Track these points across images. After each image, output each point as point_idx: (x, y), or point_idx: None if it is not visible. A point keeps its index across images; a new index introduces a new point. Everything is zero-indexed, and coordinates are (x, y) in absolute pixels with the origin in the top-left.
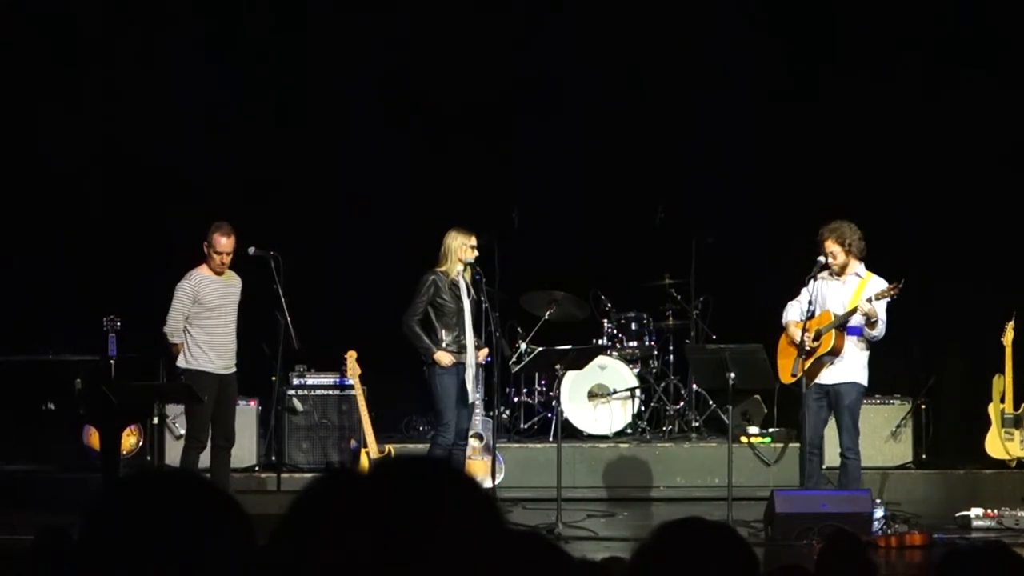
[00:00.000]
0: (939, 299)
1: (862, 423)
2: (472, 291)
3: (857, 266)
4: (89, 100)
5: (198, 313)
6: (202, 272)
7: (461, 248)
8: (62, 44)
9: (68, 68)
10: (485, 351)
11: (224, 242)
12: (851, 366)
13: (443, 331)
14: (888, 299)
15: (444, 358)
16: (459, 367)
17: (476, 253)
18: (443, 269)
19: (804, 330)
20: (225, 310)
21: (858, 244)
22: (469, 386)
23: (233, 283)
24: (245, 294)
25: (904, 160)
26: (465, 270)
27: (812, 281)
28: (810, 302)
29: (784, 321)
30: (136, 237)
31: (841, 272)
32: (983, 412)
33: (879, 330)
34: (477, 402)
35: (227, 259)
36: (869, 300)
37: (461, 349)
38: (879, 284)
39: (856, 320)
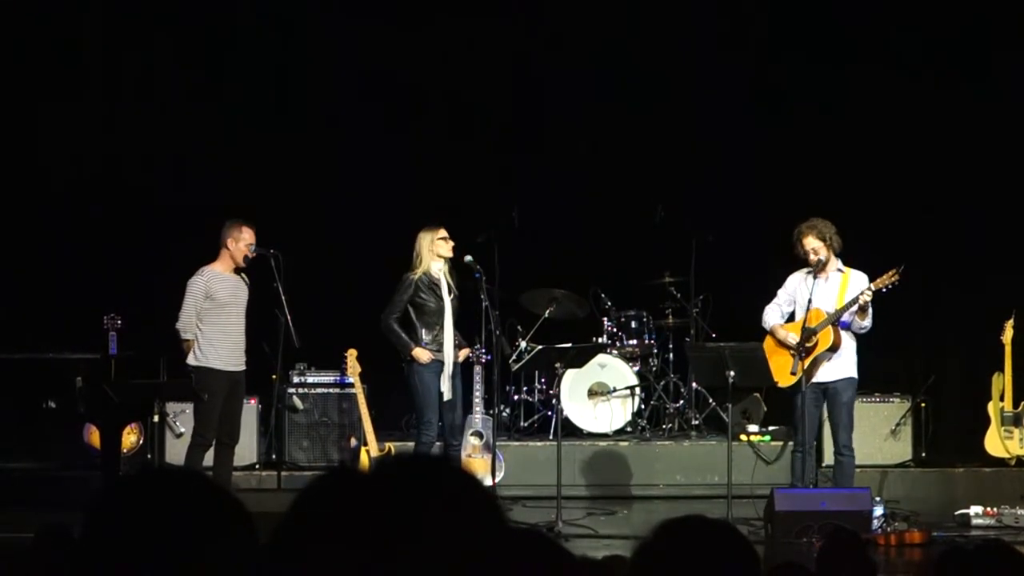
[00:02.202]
0: (939, 298)
1: (861, 421)
2: (454, 289)
3: (836, 261)
4: (89, 99)
5: (209, 310)
6: (215, 269)
7: (433, 244)
8: (64, 47)
9: (70, 69)
10: (466, 351)
11: (250, 232)
12: (847, 361)
13: (423, 329)
14: (890, 286)
15: (422, 355)
16: (438, 365)
17: (451, 243)
18: (420, 270)
19: (804, 329)
20: (236, 308)
21: (836, 239)
22: (445, 385)
23: (243, 283)
24: None
25: (904, 160)
26: (445, 265)
27: (811, 281)
28: (809, 301)
29: (767, 326)
30: (137, 236)
31: (822, 269)
32: (983, 410)
33: (868, 321)
34: (457, 400)
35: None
36: (870, 289)
37: (440, 347)
38: (861, 277)
39: (846, 314)
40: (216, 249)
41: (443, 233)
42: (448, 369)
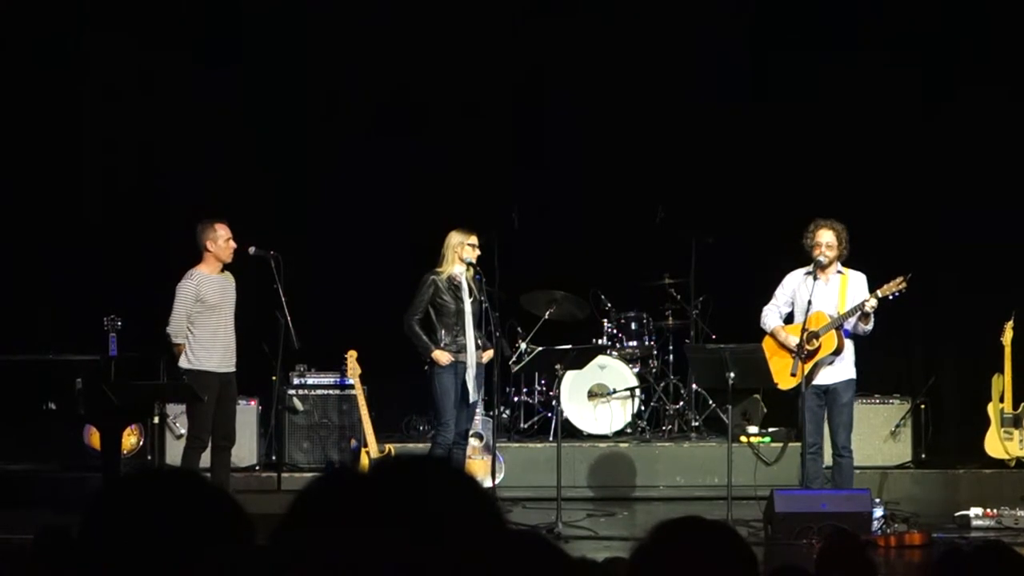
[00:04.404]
0: (939, 299)
1: (861, 423)
2: (475, 292)
3: (837, 264)
4: (89, 102)
5: (200, 312)
6: (202, 271)
7: (460, 247)
8: (63, 50)
9: (69, 72)
10: (490, 353)
11: (224, 228)
12: (848, 364)
13: (442, 331)
14: (896, 293)
15: (442, 357)
16: (458, 366)
17: (478, 252)
18: (442, 270)
19: (804, 329)
20: (225, 309)
21: (848, 245)
22: (470, 386)
23: (230, 282)
24: (246, 294)
25: (903, 160)
26: (467, 270)
27: (812, 281)
28: (809, 303)
29: (767, 328)
30: (137, 237)
31: (824, 269)
32: (982, 412)
33: (871, 325)
34: (479, 402)
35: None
36: (876, 296)
37: (460, 349)
38: (860, 277)
39: (850, 320)
40: (198, 252)
41: (473, 240)
42: (472, 371)
